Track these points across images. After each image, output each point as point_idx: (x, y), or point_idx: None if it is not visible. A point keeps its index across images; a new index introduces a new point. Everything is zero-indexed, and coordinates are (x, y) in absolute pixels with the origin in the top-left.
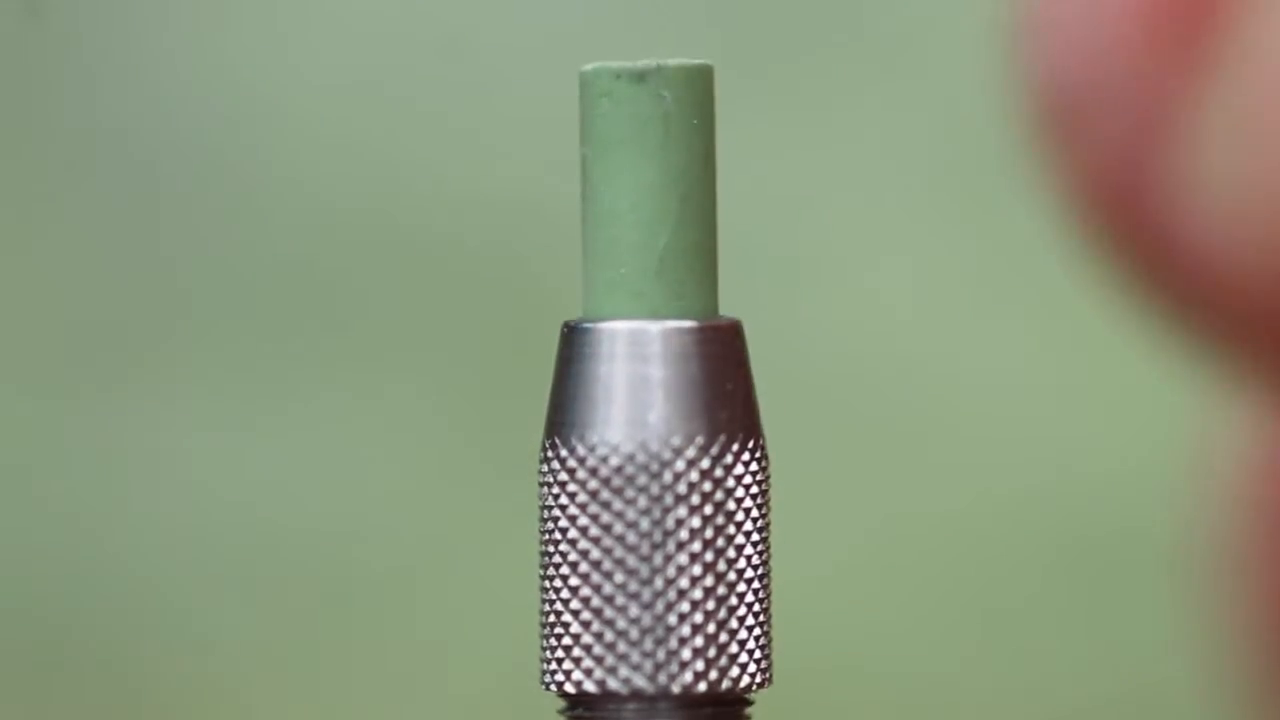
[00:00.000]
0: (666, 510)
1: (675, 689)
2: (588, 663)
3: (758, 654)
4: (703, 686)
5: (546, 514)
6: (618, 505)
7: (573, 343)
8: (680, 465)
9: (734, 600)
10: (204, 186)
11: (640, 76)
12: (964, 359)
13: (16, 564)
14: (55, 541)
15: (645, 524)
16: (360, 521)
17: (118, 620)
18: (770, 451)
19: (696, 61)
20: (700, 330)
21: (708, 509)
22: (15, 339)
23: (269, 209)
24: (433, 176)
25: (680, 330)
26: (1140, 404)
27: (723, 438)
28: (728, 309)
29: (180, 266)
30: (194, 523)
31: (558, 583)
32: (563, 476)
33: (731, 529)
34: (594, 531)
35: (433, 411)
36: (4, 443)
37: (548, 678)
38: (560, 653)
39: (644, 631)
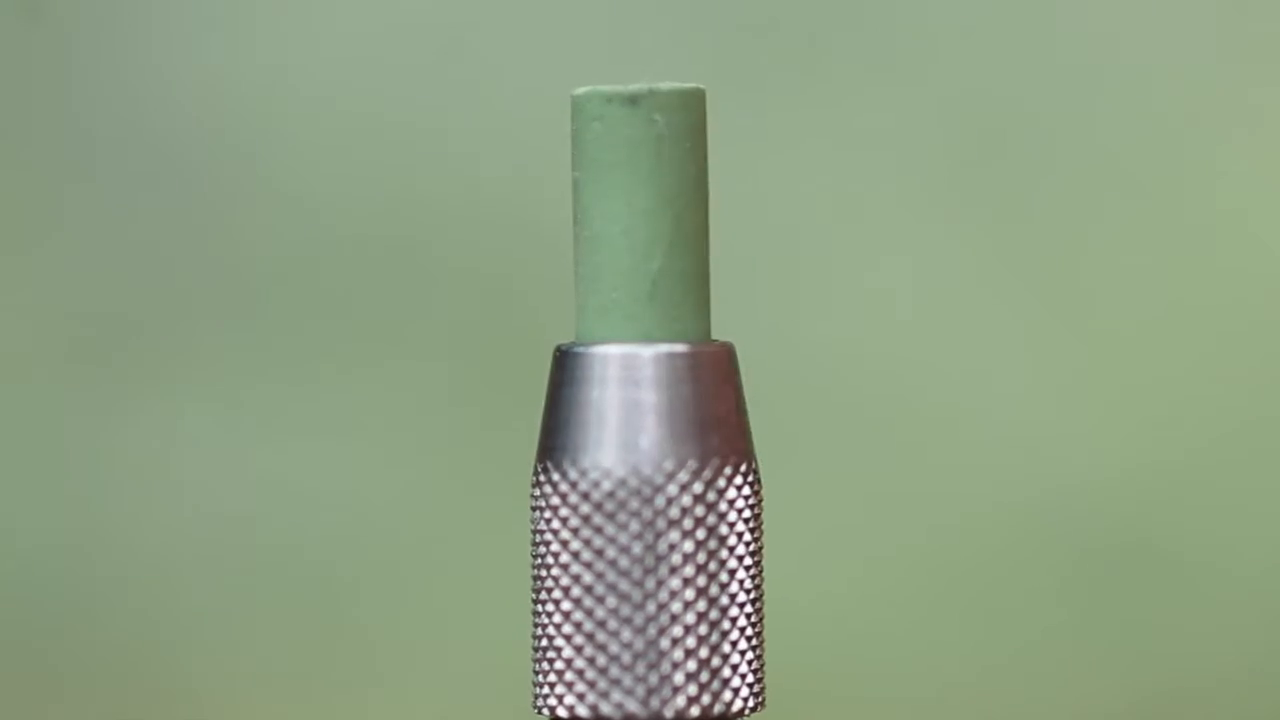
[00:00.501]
0: (659, 535)
1: (668, 714)
2: (580, 687)
3: (750, 677)
4: (695, 711)
5: (539, 538)
6: (610, 530)
7: (565, 366)
8: (672, 490)
9: (726, 624)
10: (203, 189)
11: (632, 100)
12: (964, 360)
13: (16, 564)
14: (55, 541)
15: (637, 548)
16: (360, 524)
17: (118, 620)
18: (769, 456)
19: (688, 85)
20: (693, 354)
21: (700, 533)
22: (15, 339)
23: (270, 213)
24: (433, 180)
25: (672, 354)
26: (1142, 405)
27: (715, 462)
28: (727, 310)
29: (180, 269)
30: (194, 523)
31: (550, 607)
32: (555, 501)
33: (724, 553)
34: (586, 556)
35: (433, 414)
36: (4, 443)
37: (540, 702)
38: (553, 677)
39: (636, 656)
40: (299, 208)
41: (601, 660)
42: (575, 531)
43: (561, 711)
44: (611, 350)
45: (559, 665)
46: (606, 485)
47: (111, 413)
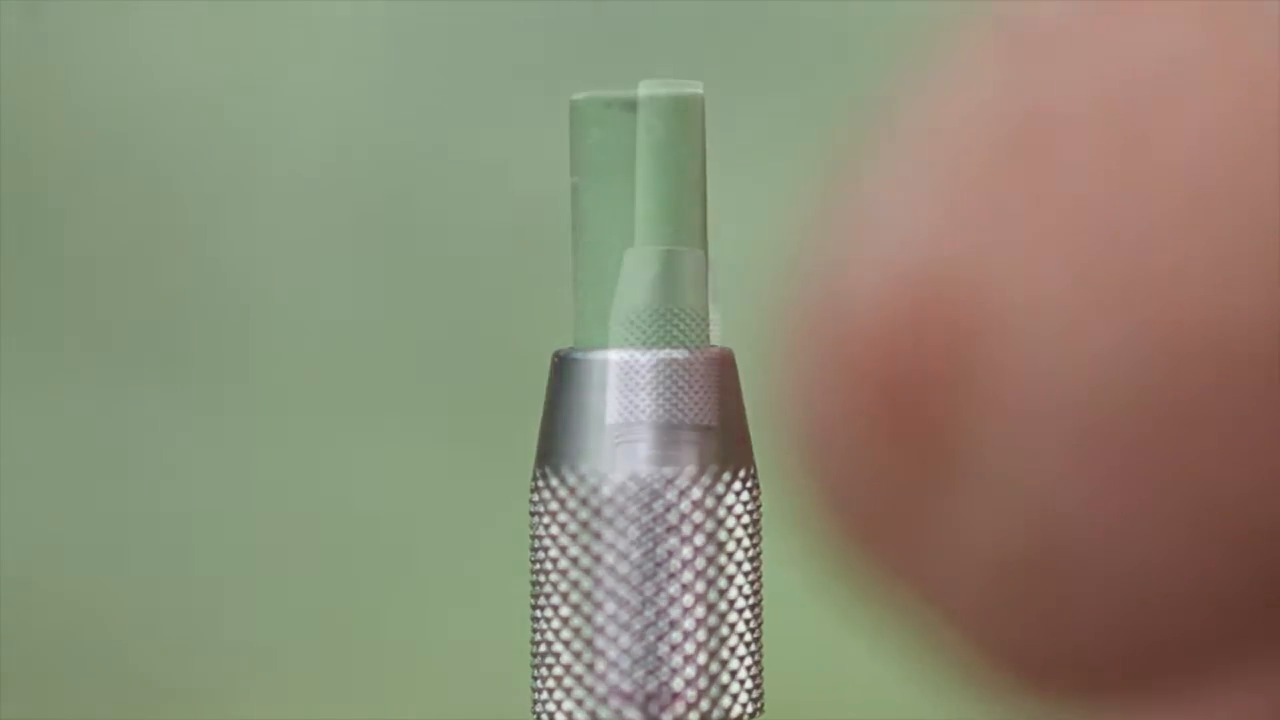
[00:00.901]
0: (658, 540)
1: (666, 719)
2: (579, 693)
3: (749, 683)
4: (694, 717)
5: (538, 544)
6: (609, 535)
7: (563, 373)
8: (671, 495)
9: (725, 630)
10: (200, 189)
11: (631, 105)
12: None
13: (17, 564)
14: (56, 542)
15: (636, 554)
16: (360, 525)
17: (118, 620)
18: (764, 466)
19: (687, 90)
20: (691, 360)
21: (699, 539)
22: (15, 339)
23: (270, 213)
24: (434, 183)
25: (671, 360)
26: None
27: (714, 467)
28: (726, 315)
29: (178, 269)
30: (194, 523)
31: (549, 613)
32: (554, 506)
33: (723, 559)
34: (585, 562)
35: (433, 418)
36: (4, 443)
37: (539, 708)
38: (551, 683)
39: (635, 662)
40: (299, 207)
41: (600, 666)
42: (574, 537)
43: (560, 717)
44: (610, 356)
45: (557, 671)
46: (605, 491)
47: (112, 413)
